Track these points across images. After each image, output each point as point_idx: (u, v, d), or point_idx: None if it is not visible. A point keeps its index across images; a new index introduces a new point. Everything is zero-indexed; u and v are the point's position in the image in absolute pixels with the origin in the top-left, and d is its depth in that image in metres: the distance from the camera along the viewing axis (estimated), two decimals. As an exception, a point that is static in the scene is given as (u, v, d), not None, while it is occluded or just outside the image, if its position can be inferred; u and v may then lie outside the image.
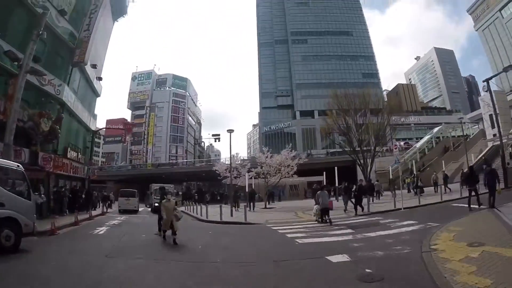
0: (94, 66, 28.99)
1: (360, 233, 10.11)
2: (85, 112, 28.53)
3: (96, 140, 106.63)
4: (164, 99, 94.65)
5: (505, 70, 23.00)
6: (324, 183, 25.88)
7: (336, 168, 27.26)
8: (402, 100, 75.57)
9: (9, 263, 7.22)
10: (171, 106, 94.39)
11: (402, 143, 51.00)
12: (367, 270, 5.89)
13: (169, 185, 32.22)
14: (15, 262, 7.43)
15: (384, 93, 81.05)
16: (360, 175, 29.41)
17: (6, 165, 9.07)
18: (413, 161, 32.85)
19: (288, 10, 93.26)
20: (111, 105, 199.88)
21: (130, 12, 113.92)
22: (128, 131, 59.96)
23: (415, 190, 23.57)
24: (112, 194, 36.94)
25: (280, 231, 12.05)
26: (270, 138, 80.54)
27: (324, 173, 28.81)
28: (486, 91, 33.32)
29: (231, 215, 18.85)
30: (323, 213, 13.32)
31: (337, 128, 31.20)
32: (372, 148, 29.69)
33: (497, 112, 25.40)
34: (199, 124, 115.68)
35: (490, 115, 34.66)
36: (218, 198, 39.64)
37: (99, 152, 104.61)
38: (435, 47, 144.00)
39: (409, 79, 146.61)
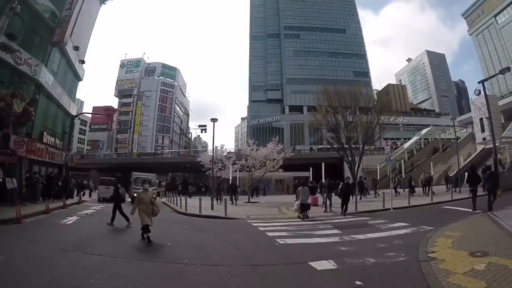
0: (76, 48, 27.73)
1: (347, 235, 9.18)
2: (64, 96, 27.12)
3: (81, 127, 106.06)
4: (152, 88, 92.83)
5: (502, 72, 22.49)
6: (311, 179, 25.20)
7: (323, 164, 26.51)
8: (392, 100, 75.44)
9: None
10: (159, 95, 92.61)
11: (390, 142, 50.81)
12: (357, 283, 4.98)
13: (151, 174, 31.02)
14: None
15: (374, 92, 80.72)
16: (347, 172, 28.99)
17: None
18: (402, 161, 32.50)
19: (282, 4, 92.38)
20: (99, 93, 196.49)
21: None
22: (108, 117, 58.23)
23: (397, 191, 23.30)
24: (92, 182, 35.53)
25: (261, 228, 11.15)
26: (258, 131, 79.76)
27: (311, 168, 28.10)
28: (478, 95, 33.11)
29: (212, 208, 17.96)
30: (303, 208, 13.59)
31: (326, 123, 30.48)
32: (360, 146, 29.09)
33: (489, 114, 24.91)
34: (187, 115, 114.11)
35: (481, 119, 34.58)
36: (203, 190, 38.89)
37: (84, 140, 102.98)
38: (427, 50, 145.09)
39: (400, 80, 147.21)
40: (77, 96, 37.31)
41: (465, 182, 16.68)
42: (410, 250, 6.78)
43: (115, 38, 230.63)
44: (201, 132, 67.12)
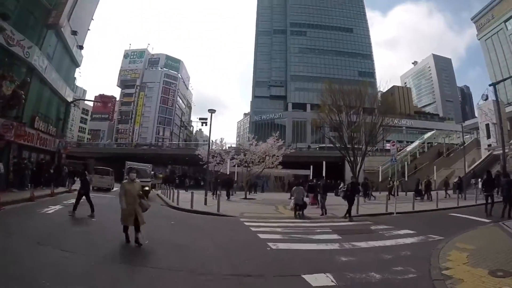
0: (74, 33, 26.75)
1: (348, 241, 8.24)
2: (60, 81, 26.18)
3: (83, 116, 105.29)
4: (155, 79, 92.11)
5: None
6: (311, 177, 24.42)
7: (324, 163, 25.68)
8: (396, 102, 74.52)
9: None
10: (161, 87, 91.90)
11: (395, 142, 50.05)
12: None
13: (147, 165, 29.95)
14: None
15: (379, 93, 79.77)
16: (348, 172, 28.25)
17: None
18: (405, 163, 31.70)
19: (289, 0, 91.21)
20: (103, 83, 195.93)
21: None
22: (104, 104, 57.33)
23: (391, 194, 22.05)
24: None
25: (253, 228, 10.28)
26: (260, 127, 78.98)
27: (311, 167, 27.30)
28: (486, 100, 32.38)
29: (205, 203, 17.08)
30: (297, 208, 13.54)
31: (329, 122, 29.60)
32: (363, 146, 28.24)
33: (499, 119, 24.12)
34: (189, 108, 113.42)
35: (487, 125, 33.84)
36: (202, 184, 38.21)
37: (85, 129, 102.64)
38: (433, 54, 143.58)
39: (405, 83, 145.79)
40: (80, 85, 36.66)
41: (480, 187, 16.05)
42: (420, 264, 5.92)
43: (120, 28, 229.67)
44: (202, 125, 66.39)
